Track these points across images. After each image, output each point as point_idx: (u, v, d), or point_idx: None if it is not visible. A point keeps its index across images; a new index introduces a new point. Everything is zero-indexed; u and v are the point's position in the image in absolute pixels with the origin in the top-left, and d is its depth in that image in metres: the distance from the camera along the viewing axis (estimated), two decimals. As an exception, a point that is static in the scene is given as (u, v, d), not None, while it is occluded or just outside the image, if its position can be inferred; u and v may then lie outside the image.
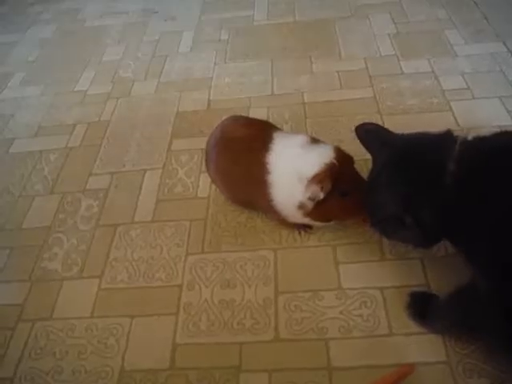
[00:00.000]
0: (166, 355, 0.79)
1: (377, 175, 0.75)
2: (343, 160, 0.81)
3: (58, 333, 0.84)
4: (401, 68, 1.30)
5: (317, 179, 0.78)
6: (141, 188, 1.08)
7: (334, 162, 0.79)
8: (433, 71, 1.27)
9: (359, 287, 0.83)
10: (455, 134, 0.69)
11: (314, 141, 0.85)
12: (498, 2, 1.49)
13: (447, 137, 0.69)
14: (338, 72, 1.32)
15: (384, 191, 0.72)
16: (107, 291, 0.89)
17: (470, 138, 0.67)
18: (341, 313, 0.80)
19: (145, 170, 1.12)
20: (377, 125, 0.84)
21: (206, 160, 0.96)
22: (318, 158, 0.80)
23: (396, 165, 0.71)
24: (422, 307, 0.78)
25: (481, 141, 0.66)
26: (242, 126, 0.91)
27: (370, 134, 0.80)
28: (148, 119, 1.27)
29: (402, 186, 0.69)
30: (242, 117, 0.98)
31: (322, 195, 0.78)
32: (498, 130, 1.06)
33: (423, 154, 0.68)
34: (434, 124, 1.10)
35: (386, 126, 1.11)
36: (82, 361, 0.80)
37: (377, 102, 1.20)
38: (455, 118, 1.13)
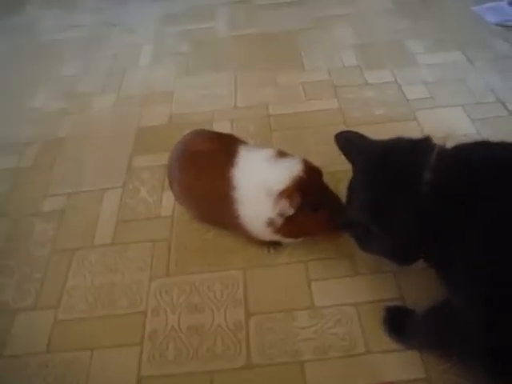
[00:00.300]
0: (130, 390, 0.73)
1: (353, 183, 0.73)
2: (312, 173, 0.78)
3: (9, 371, 0.77)
4: (365, 78, 1.29)
5: (285, 194, 0.74)
6: (100, 209, 1.02)
7: (303, 175, 0.76)
8: (396, 81, 1.27)
9: (333, 304, 0.80)
10: (433, 141, 0.67)
11: (281, 154, 0.82)
12: (455, 12, 1.52)
13: (425, 144, 0.66)
14: (302, 83, 1.30)
15: (355, 198, 0.70)
16: (64, 323, 0.83)
17: (447, 146, 0.65)
18: (315, 333, 0.77)
19: (104, 190, 1.06)
20: (356, 133, 0.80)
21: (169, 177, 0.91)
22: (285, 172, 0.77)
23: (369, 171, 0.69)
24: (398, 322, 0.75)
25: (458, 150, 0.64)
26: (206, 140, 0.87)
27: (348, 142, 0.77)
28: (107, 135, 1.21)
29: (372, 192, 0.66)
30: (205, 130, 0.94)
31: (291, 210, 0.75)
32: (464, 138, 1.08)
33: (398, 162, 0.65)
34: (400, 133, 1.11)
35: (353, 137, 1.11)
36: (37, 402, 0.73)
37: (342, 112, 1.19)
38: (421, 127, 1.12)
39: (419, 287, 0.80)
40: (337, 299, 0.81)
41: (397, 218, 0.63)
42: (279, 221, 0.77)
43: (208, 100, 1.28)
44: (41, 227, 0.99)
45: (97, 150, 1.17)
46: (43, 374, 0.76)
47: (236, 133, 1.11)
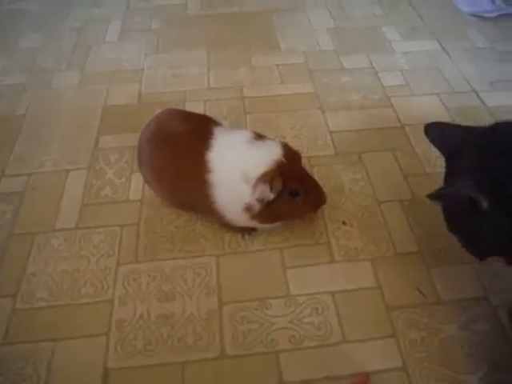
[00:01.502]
0: (96, 383, 0.69)
1: (463, 162, 0.66)
2: (291, 157, 0.75)
3: (-38, 365, 0.71)
4: (341, 63, 1.27)
5: (265, 178, 0.71)
6: (63, 191, 0.95)
7: (283, 159, 0.72)
8: (372, 67, 1.26)
9: (309, 293, 0.78)
10: None
11: (259, 137, 0.78)
12: (432, 1, 1.52)
13: None
14: (277, 66, 1.26)
15: (465, 173, 0.63)
16: (24, 312, 0.77)
17: None
18: (291, 322, 0.74)
19: (67, 171, 1.00)
20: (447, 123, 0.76)
21: (139, 158, 0.86)
22: (265, 156, 0.73)
23: (486, 147, 0.63)
24: None
25: None
26: (180, 120, 0.82)
27: (442, 132, 0.73)
28: (71, 114, 1.14)
29: (493, 166, 0.60)
30: (179, 110, 0.89)
31: (271, 196, 0.72)
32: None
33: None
34: (376, 120, 1.10)
35: (328, 123, 1.09)
36: (-7, 397, 0.68)
37: (318, 97, 1.16)
38: (396, 115, 1.11)
39: (396, 275, 0.80)
40: (313, 287, 0.78)
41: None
42: (257, 206, 0.74)
43: (180, 79, 1.22)
44: (-2, 209, 0.92)
45: (60, 129, 1.10)
46: (0, 367, 0.71)
47: (209, 114, 1.07)
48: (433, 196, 0.65)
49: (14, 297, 0.79)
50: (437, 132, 0.73)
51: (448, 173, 0.69)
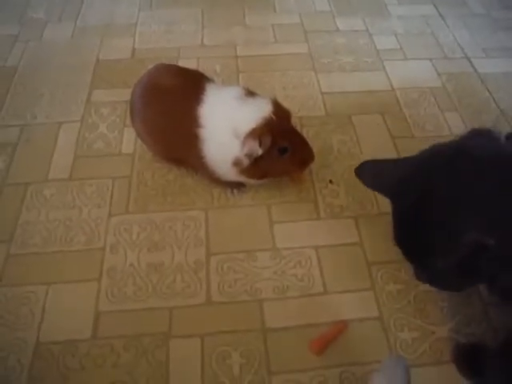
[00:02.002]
0: (87, 324, 0.72)
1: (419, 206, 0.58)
2: (281, 114, 0.76)
3: (-42, 305, 0.74)
4: (336, 25, 1.26)
5: (255, 134, 0.73)
6: (56, 143, 0.97)
7: (273, 115, 0.74)
8: (367, 30, 1.25)
9: (294, 247, 0.81)
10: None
11: (250, 93, 0.79)
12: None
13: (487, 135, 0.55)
14: (272, 25, 1.26)
15: (447, 216, 0.55)
16: (17, 257, 0.79)
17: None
18: (275, 273, 0.78)
19: (60, 123, 1.00)
20: (375, 161, 0.68)
21: (131, 112, 0.87)
22: (255, 112, 0.75)
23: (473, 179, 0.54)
24: (472, 362, 0.65)
25: None
26: (172, 75, 0.83)
27: (379, 174, 0.65)
28: (63, 67, 1.13)
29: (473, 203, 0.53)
30: (171, 65, 0.90)
31: (260, 151, 0.74)
32: (429, 91, 1.09)
33: (479, 161, 0.53)
34: (367, 83, 1.11)
35: (320, 84, 1.10)
36: (-11, 335, 0.71)
37: (312, 58, 1.16)
38: (388, 78, 1.12)
39: (378, 233, 0.83)
40: (298, 241, 0.82)
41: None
42: (245, 161, 0.76)
43: (173, 36, 1.21)
44: (-10, 159, 0.94)
45: (52, 81, 1.10)
46: (-4, 307, 0.74)
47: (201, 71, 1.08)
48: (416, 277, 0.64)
49: (9, 243, 0.81)
50: (371, 172, 0.65)
51: (399, 218, 0.60)
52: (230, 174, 0.81)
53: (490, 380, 0.61)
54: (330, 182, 0.90)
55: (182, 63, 1.12)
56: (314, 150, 0.83)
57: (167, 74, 0.83)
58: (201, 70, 1.10)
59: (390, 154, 0.95)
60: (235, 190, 0.88)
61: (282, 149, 0.77)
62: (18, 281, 0.77)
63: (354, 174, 0.91)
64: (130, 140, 0.96)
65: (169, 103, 0.80)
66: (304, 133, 0.98)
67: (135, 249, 0.80)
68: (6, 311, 0.73)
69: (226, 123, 0.76)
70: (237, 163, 0.77)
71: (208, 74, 1.08)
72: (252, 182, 0.84)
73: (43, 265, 0.78)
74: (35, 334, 0.71)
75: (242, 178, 0.82)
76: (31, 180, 0.90)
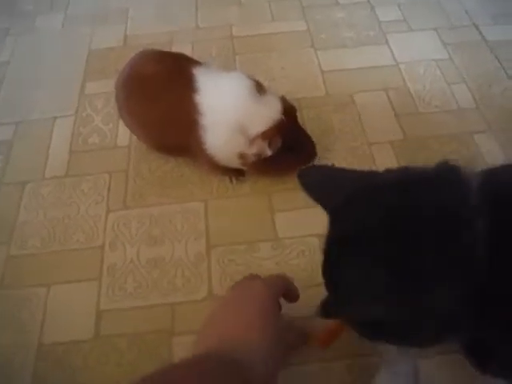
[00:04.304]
0: (89, 324, 0.71)
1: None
2: (289, 113, 0.75)
3: (-39, 309, 0.74)
4: (335, -2, 1.21)
5: (266, 136, 0.72)
6: (51, 139, 0.95)
7: (282, 116, 0.73)
8: (369, 1, 1.19)
9: (296, 236, 0.79)
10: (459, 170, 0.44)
11: (259, 87, 0.76)
12: None
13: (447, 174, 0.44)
14: (268, 2, 1.20)
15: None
16: (17, 259, 0.79)
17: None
18: (277, 264, 0.76)
19: (55, 118, 0.98)
20: (327, 167, 0.58)
21: (118, 105, 0.85)
22: (266, 113, 0.73)
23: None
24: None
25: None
26: (156, 61, 0.80)
27: (322, 183, 0.53)
28: (56, 59, 1.11)
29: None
30: (153, 50, 0.86)
31: (269, 152, 0.72)
32: (435, 64, 1.04)
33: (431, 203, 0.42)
34: (370, 58, 1.06)
35: (320, 62, 1.06)
36: (-7, 339, 0.71)
37: (311, 35, 1.12)
38: (392, 51, 1.07)
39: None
40: (300, 230, 0.79)
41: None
42: (252, 158, 0.75)
43: (166, 19, 1.18)
44: (-14, 159, 0.92)
45: (45, 75, 1.07)
46: (-2, 310, 0.74)
47: (197, 56, 1.04)
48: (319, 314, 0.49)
49: (8, 244, 0.81)
50: (315, 180, 0.53)
51: (332, 245, 0.49)
52: (232, 162, 0.79)
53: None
54: (333, 165, 0.87)
55: (175, 48, 1.09)
56: (315, 133, 0.81)
57: (150, 61, 0.80)
58: (196, 53, 1.08)
59: (394, 132, 0.92)
60: (234, 179, 0.85)
61: (288, 148, 0.75)
62: (18, 282, 0.76)
63: (357, 156, 0.89)
64: (125, 132, 0.93)
65: (155, 91, 0.77)
66: (303, 115, 0.94)
67: (134, 244, 0.79)
68: (8, 313, 0.73)
69: (233, 118, 0.74)
70: (242, 157, 0.76)
71: (203, 57, 1.05)
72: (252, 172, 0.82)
73: (43, 265, 0.78)
74: (38, 335, 0.71)
75: (243, 167, 0.80)
76: (28, 179, 0.89)
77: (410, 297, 0.41)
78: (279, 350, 0.53)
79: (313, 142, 0.81)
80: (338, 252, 0.48)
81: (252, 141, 0.74)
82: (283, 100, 0.76)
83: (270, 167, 0.79)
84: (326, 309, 0.49)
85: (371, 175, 0.49)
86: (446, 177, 0.43)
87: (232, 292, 0.61)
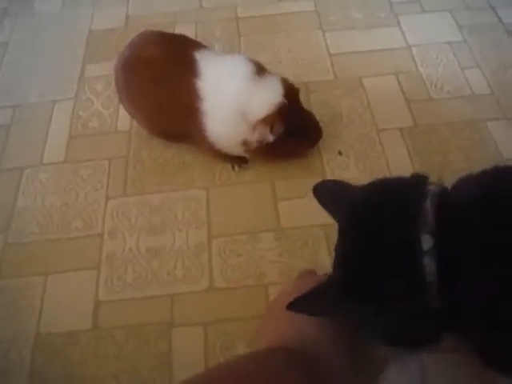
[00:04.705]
0: (87, 315, 0.70)
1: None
2: (291, 95, 0.72)
3: (-43, 298, 0.73)
4: (345, -24, 1.16)
5: (267, 121, 0.69)
6: (50, 123, 0.92)
7: (284, 99, 0.69)
8: (379, -20, 1.14)
9: (300, 226, 0.76)
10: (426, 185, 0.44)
11: (259, 69, 0.73)
12: None
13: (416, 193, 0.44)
14: (275, -19, 1.16)
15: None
16: (15, 246, 0.77)
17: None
18: (281, 255, 0.73)
19: (54, 102, 0.96)
20: (338, 182, 0.57)
21: (117, 89, 0.82)
22: (267, 97, 0.70)
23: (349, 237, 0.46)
24: None
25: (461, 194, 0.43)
26: (157, 44, 0.77)
27: (329, 195, 0.55)
28: (55, 41, 1.08)
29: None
30: (154, 32, 0.82)
31: (271, 138, 0.70)
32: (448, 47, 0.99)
33: (384, 225, 0.43)
34: (380, 41, 1.02)
35: (328, 45, 1.01)
36: (-10, 328, 0.70)
37: (319, 15, 1.07)
38: (403, 34, 1.03)
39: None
40: (304, 220, 0.76)
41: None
42: (254, 144, 0.72)
43: (169, -1, 1.14)
44: (-17, 144, 0.90)
45: (44, 57, 1.05)
46: (-5, 299, 0.72)
47: (200, 37, 1.01)
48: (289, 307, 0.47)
49: (6, 232, 0.79)
50: (328, 193, 0.55)
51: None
52: (234, 149, 0.76)
53: None
54: (339, 153, 0.84)
55: (179, 29, 1.05)
56: (322, 119, 0.78)
57: (151, 43, 0.77)
58: (199, 34, 1.05)
59: (404, 118, 0.88)
60: (236, 166, 0.82)
61: (292, 132, 0.72)
62: (16, 271, 0.75)
63: (365, 143, 0.86)
64: (125, 116, 0.90)
65: (156, 75, 0.74)
66: (311, 100, 0.91)
67: (134, 233, 0.77)
68: (5, 303, 0.72)
69: (235, 104, 0.71)
70: (245, 143, 0.74)
71: (207, 38, 1.02)
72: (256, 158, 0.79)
73: (41, 254, 0.76)
74: (35, 326, 0.69)
75: (246, 154, 0.77)
76: (26, 164, 0.87)
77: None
78: (342, 344, 0.50)
79: (317, 123, 0.78)
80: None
81: (253, 127, 0.71)
82: (285, 82, 0.73)
83: (274, 153, 0.77)
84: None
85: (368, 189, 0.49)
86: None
87: (295, 285, 0.57)
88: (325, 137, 0.85)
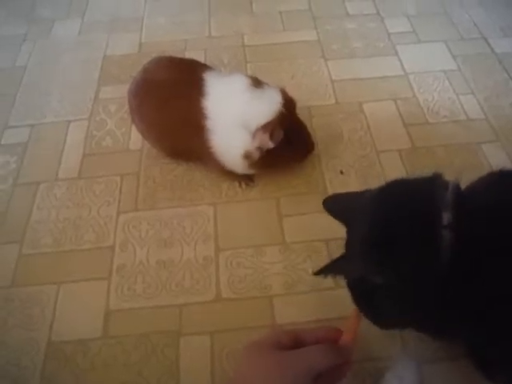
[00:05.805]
0: (98, 323, 0.72)
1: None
2: (289, 104, 0.76)
3: (-27, 305, 0.75)
4: (345, 9, 1.23)
5: (266, 128, 0.72)
6: (65, 141, 0.97)
7: (282, 107, 0.74)
8: (378, 13, 1.21)
9: (304, 240, 0.80)
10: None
11: (257, 82, 0.78)
12: None
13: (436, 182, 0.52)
14: (280, 12, 1.23)
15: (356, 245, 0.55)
16: (29, 257, 0.80)
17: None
18: (285, 268, 0.77)
19: (69, 122, 1.00)
20: (343, 194, 0.66)
21: (130, 111, 0.87)
22: (266, 105, 0.74)
23: (373, 210, 0.54)
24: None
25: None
26: (167, 68, 0.82)
27: (340, 201, 0.64)
28: (71, 64, 1.14)
29: (378, 238, 0.51)
30: (165, 57, 0.88)
31: (271, 144, 0.73)
32: (443, 75, 1.05)
33: (409, 203, 0.51)
34: (379, 68, 1.08)
35: (330, 72, 1.07)
36: (3, 335, 0.72)
37: (321, 45, 1.13)
38: (401, 62, 1.08)
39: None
40: (308, 235, 0.80)
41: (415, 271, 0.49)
42: (256, 154, 0.76)
43: (180, 27, 1.20)
44: (2, 160, 0.94)
45: (61, 79, 1.10)
46: (9, 307, 0.75)
47: (209, 63, 1.05)
48: (318, 272, 0.58)
49: (21, 243, 0.82)
50: (334, 203, 0.64)
51: (347, 241, 0.59)
52: (239, 165, 0.80)
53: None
54: (341, 172, 0.88)
55: (188, 55, 1.12)
56: (325, 140, 0.83)
57: (162, 67, 0.82)
58: (208, 60, 1.10)
59: (403, 141, 0.93)
60: (243, 184, 0.86)
61: (289, 139, 0.76)
62: (29, 281, 0.77)
63: (365, 163, 0.90)
64: (137, 136, 0.95)
65: (167, 98, 0.79)
66: (313, 123, 0.96)
67: (144, 246, 0.80)
68: (18, 312, 0.74)
69: (236, 116, 0.75)
70: (247, 155, 0.77)
71: (215, 65, 1.07)
72: (260, 171, 0.84)
73: (54, 264, 0.79)
74: (47, 333, 0.72)
75: (250, 171, 0.81)
76: (41, 179, 0.91)
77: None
78: None
79: (309, 134, 0.83)
80: None
81: (254, 134, 0.74)
82: (283, 92, 0.77)
83: (274, 162, 0.80)
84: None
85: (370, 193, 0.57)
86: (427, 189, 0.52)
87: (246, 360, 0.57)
88: (327, 157, 0.89)
